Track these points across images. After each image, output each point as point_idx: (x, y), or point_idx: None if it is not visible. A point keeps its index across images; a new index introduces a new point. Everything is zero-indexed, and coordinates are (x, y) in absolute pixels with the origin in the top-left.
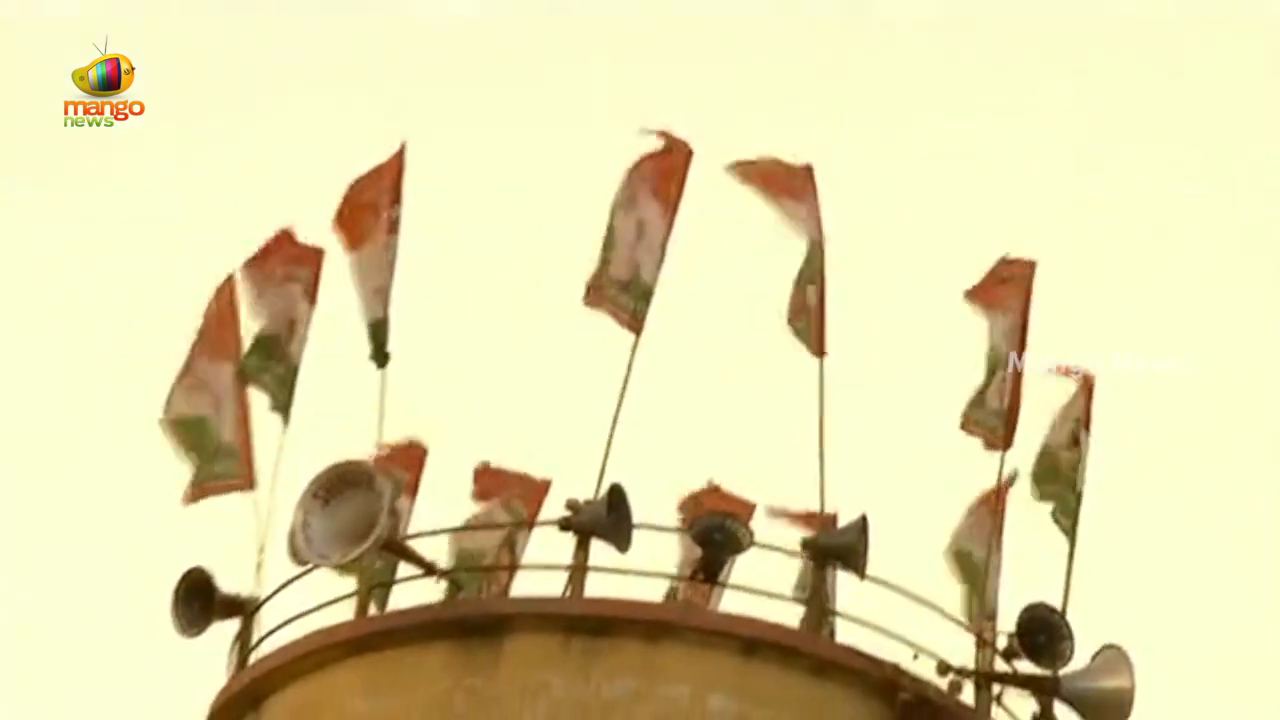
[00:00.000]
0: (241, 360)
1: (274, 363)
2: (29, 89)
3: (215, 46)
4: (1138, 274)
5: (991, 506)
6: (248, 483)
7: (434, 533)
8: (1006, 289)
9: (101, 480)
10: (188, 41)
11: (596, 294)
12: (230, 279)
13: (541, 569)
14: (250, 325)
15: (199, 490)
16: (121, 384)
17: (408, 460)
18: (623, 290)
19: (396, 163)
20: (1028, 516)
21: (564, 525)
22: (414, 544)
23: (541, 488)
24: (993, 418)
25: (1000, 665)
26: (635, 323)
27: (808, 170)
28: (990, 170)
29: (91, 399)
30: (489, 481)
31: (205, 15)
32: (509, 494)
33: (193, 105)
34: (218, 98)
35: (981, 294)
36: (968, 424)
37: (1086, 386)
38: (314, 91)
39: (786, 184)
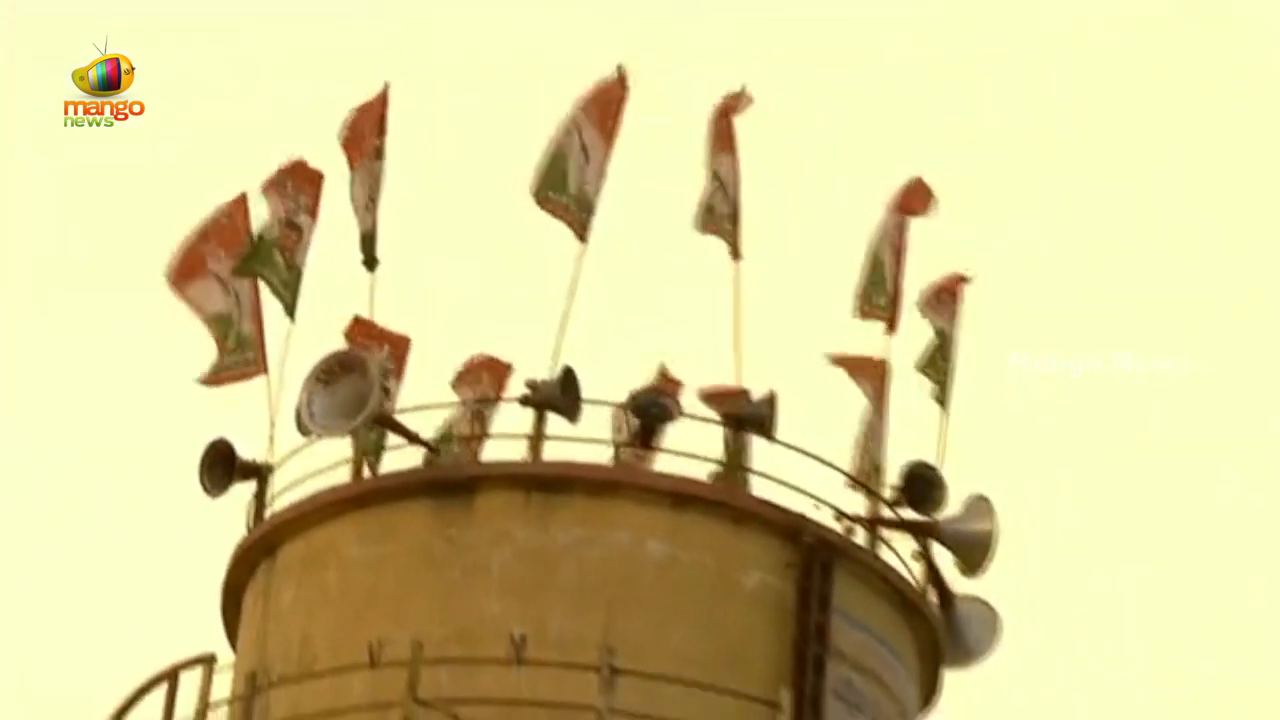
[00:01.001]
0: (242, 258)
1: (275, 263)
2: (29, 89)
3: (215, 46)
4: (1010, 194)
5: (879, 380)
6: (261, 368)
7: (417, 409)
8: (903, 205)
9: (140, 367)
10: (188, 42)
11: (546, 201)
12: (244, 195)
13: (506, 438)
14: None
15: (222, 376)
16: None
17: (395, 344)
18: (573, 203)
19: (381, 100)
20: (911, 391)
21: (524, 401)
22: (400, 418)
23: (505, 370)
24: (885, 308)
25: (886, 513)
26: (582, 231)
27: (743, 95)
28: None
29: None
30: (464, 365)
31: (205, 15)
32: (479, 375)
33: (193, 105)
34: (217, 98)
35: (887, 212)
36: (863, 312)
37: (958, 284)
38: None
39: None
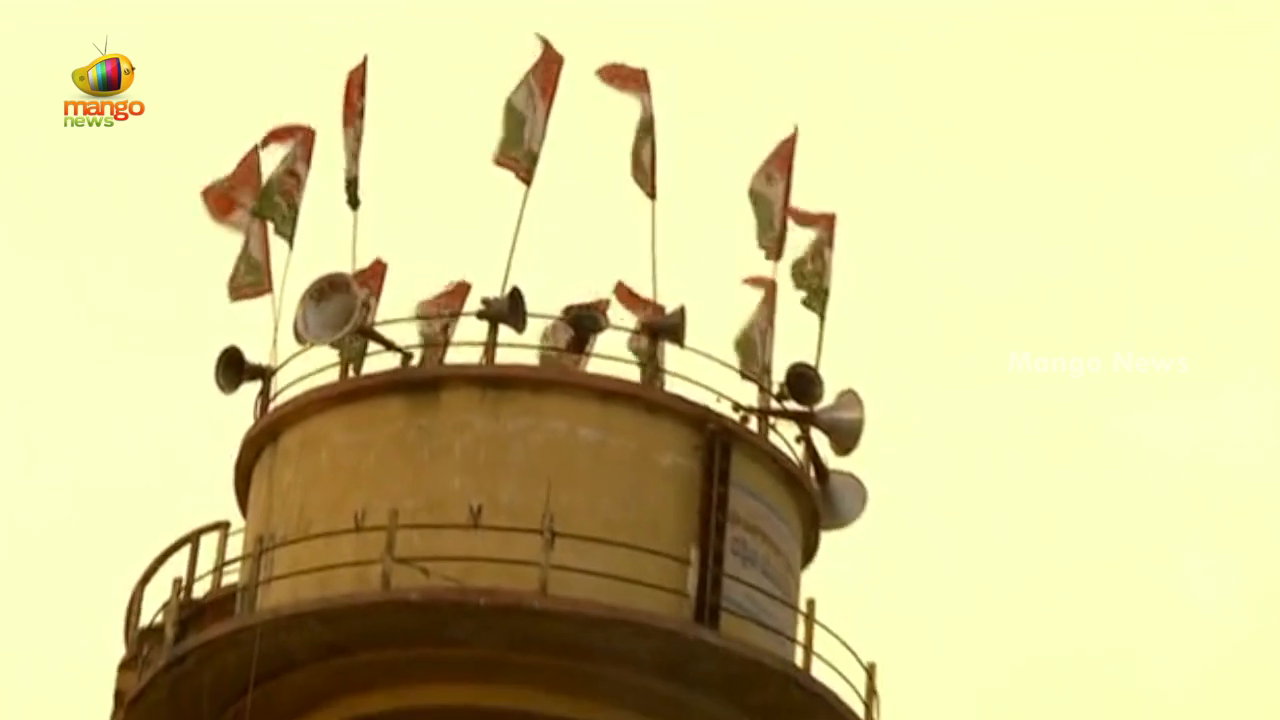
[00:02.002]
0: (256, 203)
1: (281, 203)
2: (29, 89)
3: (215, 46)
4: (883, 136)
5: (770, 297)
6: (267, 288)
7: (392, 321)
8: (781, 157)
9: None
10: (188, 42)
11: (504, 159)
12: (255, 148)
13: (465, 345)
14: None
15: (237, 293)
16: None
17: (374, 273)
18: (523, 157)
19: (361, 70)
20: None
21: (480, 315)
22: (379, 329)
23: (465, 290)
24: (771, 240)
25: (774, 404)
26: (527, 178)
27: (644, 72)
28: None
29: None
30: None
31: (204, 15)
32: (443, 294)
33: (193, 105)
34: (217, 98)
35: (774, 163)
36: (761, 245)
37: (830, 222)
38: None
39: (633, 80)
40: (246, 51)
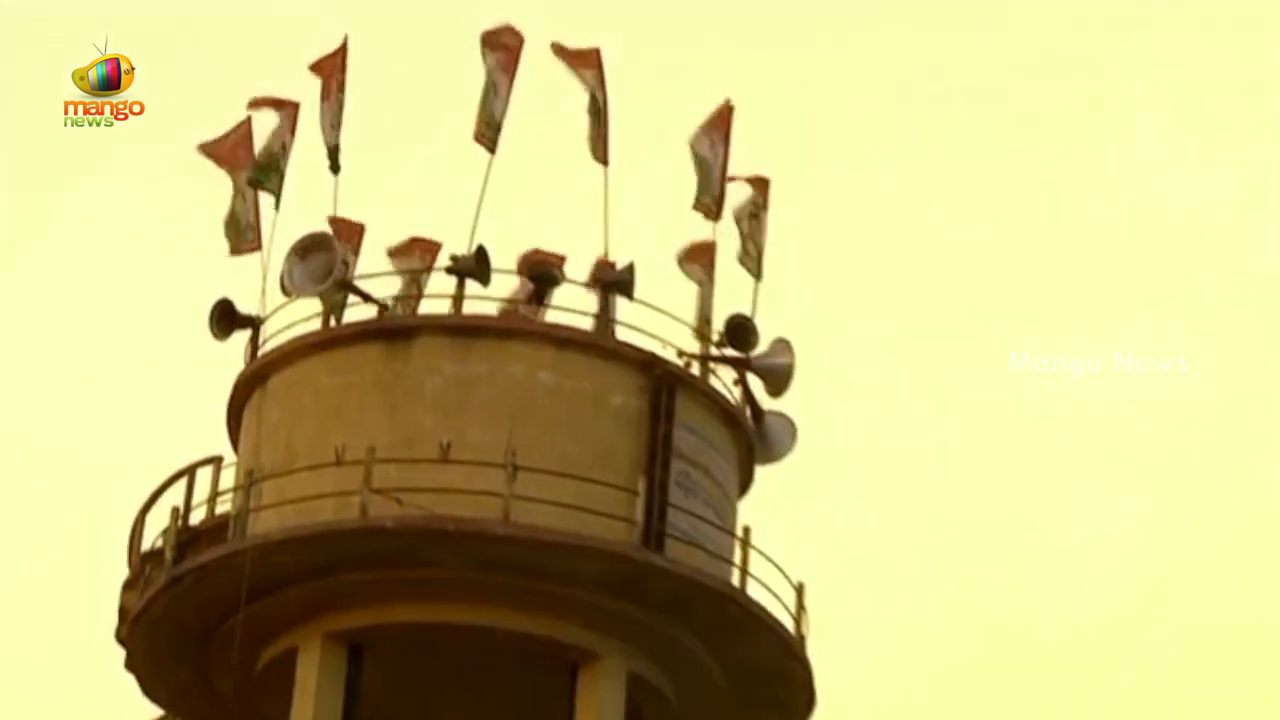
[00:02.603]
0: (252, 172)
1: (271, 170)
2: (29, 89)
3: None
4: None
5: (710, 256)
6: (258, 245)
7: (370, 276)
8: (716, 126)
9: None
10: (188, 41)
11: (480, 137)
12: (248, 119)
13: (435, 297)
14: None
15: (237, 248)
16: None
17: (352, 232)
18: (489, 130)
19: (343, 48)
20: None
21: (449, 270)
22: (358, 283)
23: (435, 248)
24: (711, 202)
25: (715, 351)
26: (492, 147)
27: (597, 51)
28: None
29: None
30: (403, 244)
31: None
32: (415, 251)
33: (193, 105)
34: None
35: (707, 131)
36: (698, 206)
37: (764, 185)
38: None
39: (586, 58)
40: (246, 51)
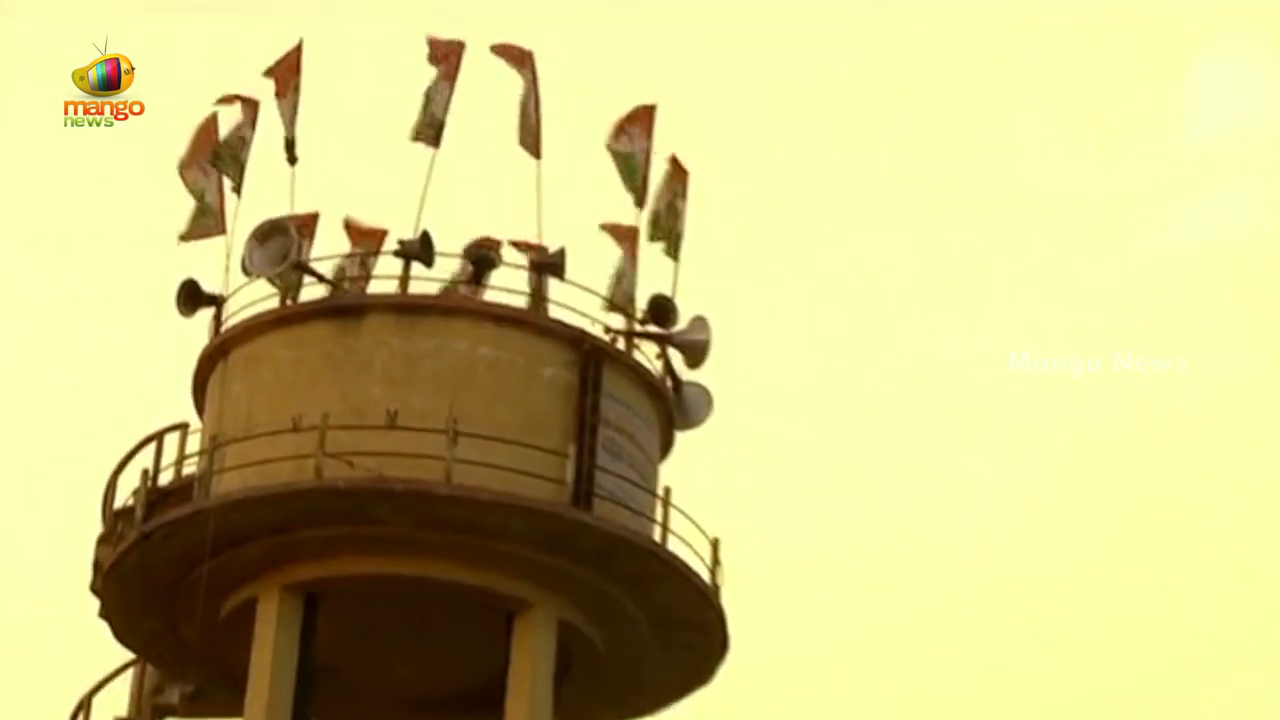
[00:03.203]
0: (213, 156)
1: (233, 160)
2: (29, 89)
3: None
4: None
5: (633, 240)
6: (221, 229)
7: (323, 259)
8: (640, 123)
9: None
10: (187, 41)
11: (418, 135)
12: (214, 115)
13: (383, 278)
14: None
15: (195, 233)
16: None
17: (307, 220)
18: (431, 127)
19: (297, 50)
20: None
21: (396, 253)
22: (313, 264)
23: (383, 234)
24: (636, 191)
25: (638, 328)
26: (435, 142)
27: (530, 53)
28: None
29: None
30: (353, 229)
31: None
32: (364, 236)
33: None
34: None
35: (625, 125)
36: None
37: (681, 171)
38: None
39: (521, 58)
40: (245, 51)
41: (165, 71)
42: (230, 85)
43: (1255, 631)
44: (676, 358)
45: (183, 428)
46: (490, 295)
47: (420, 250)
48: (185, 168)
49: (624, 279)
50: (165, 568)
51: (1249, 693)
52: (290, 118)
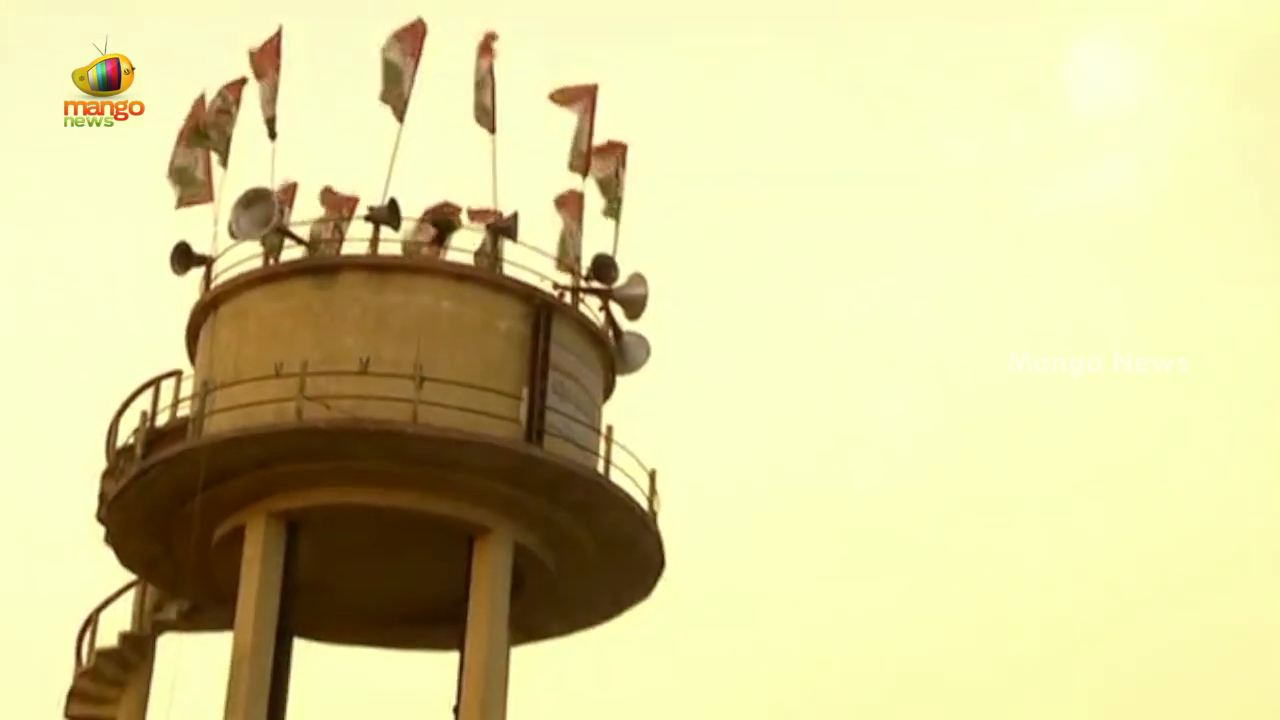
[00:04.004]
0: (194, 134)
1: (212, 135)
2: (29, 89)
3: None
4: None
5: (579, 205)
6: (209, 198)
7: (301, 224)
8: (580, 95)
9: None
10: (187, 41)
11: (385, 99)
12: (201, 96)
13: (356, 241)
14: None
15: (185, 201)
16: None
17: (288, 190)
18: (398, 100)
19: (277, 37)
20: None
21: (367, 218)
22: (292, 228)
23: (354, 201)
24: (579, 161)
25: (584, 284)
26: (400, 115)
27: (492, 37)
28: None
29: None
30: (329, 197)
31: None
32: (339, 203)
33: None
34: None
35: (563, 96)
36: (572, 165)
37: (622, 151)
38: None
39: (481, 46)
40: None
41: (165, 71)
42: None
43: (1256, 630)
44: (618, 310)
45: (177, 375)
46: (451, 255)
47: (388, 216)
48: (182, 144)
49: (570, 241)
50: (163, 499)
51: (1249, 692)
52: (270, 98)
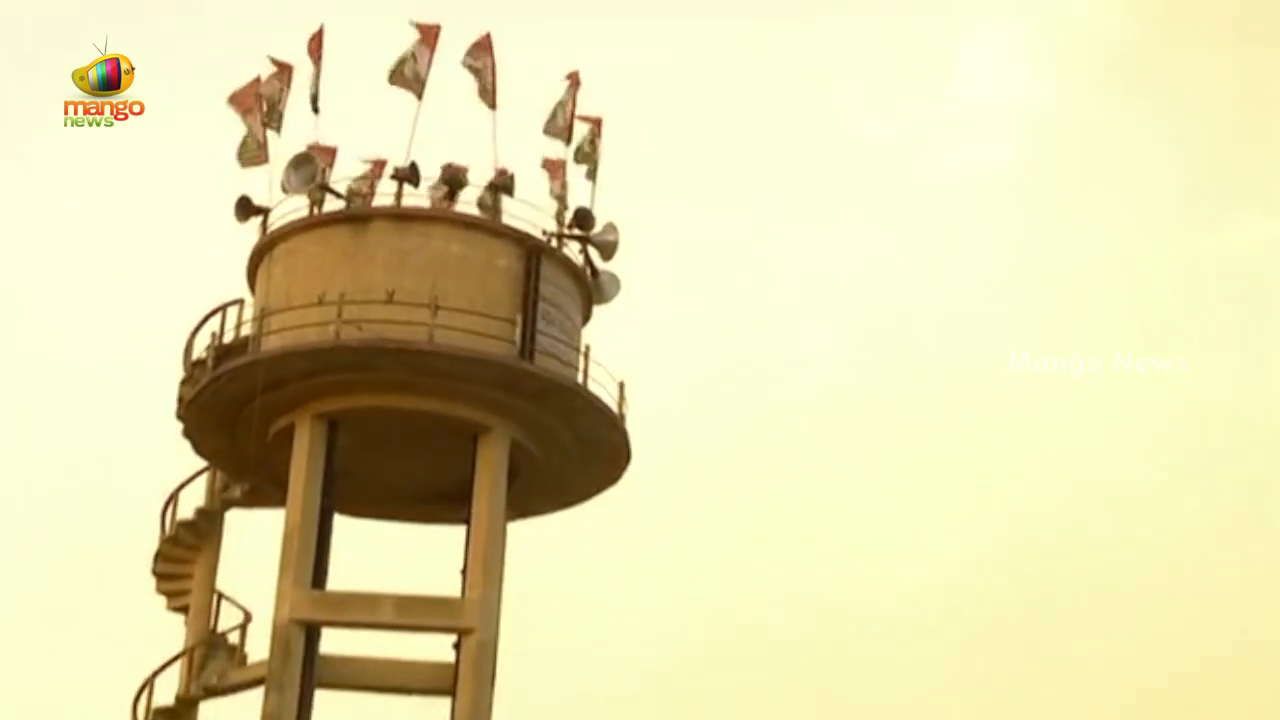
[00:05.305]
0: (265, 116)
1: (274, 114)
2: (29, 89)
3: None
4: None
5: (562, 168)
6: (265, 159)
7: (340, 181)
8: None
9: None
10: (187, 41)
11: (396, 79)
12: (257, 78)
13: (385, 196)
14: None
15: (247, 162)
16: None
17: (328, 151)
18: (416, 82)
19: (320, 33)
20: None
21: (393, 177)
22: (333, 185)
23: (383, 164)
24: (562, 131)
25: (567, 231)
26: (419, 94)
27: (489, 35)
28: None
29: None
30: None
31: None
32: (371, 165)
33: (192, 105)
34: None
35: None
36: (548, 130)
37: (598, 124)
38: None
39: (481, 42)
40: (244, 51)
41: (165, 71)
42: (230, 85)
43: (1254, 632)
44: (595, 253)
45: (239, 303)
46: (460, 207)
47: (410, 175)
48: (243, 110)
49: (556, 195)
50: (229, 402)
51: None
52: (315, 78)
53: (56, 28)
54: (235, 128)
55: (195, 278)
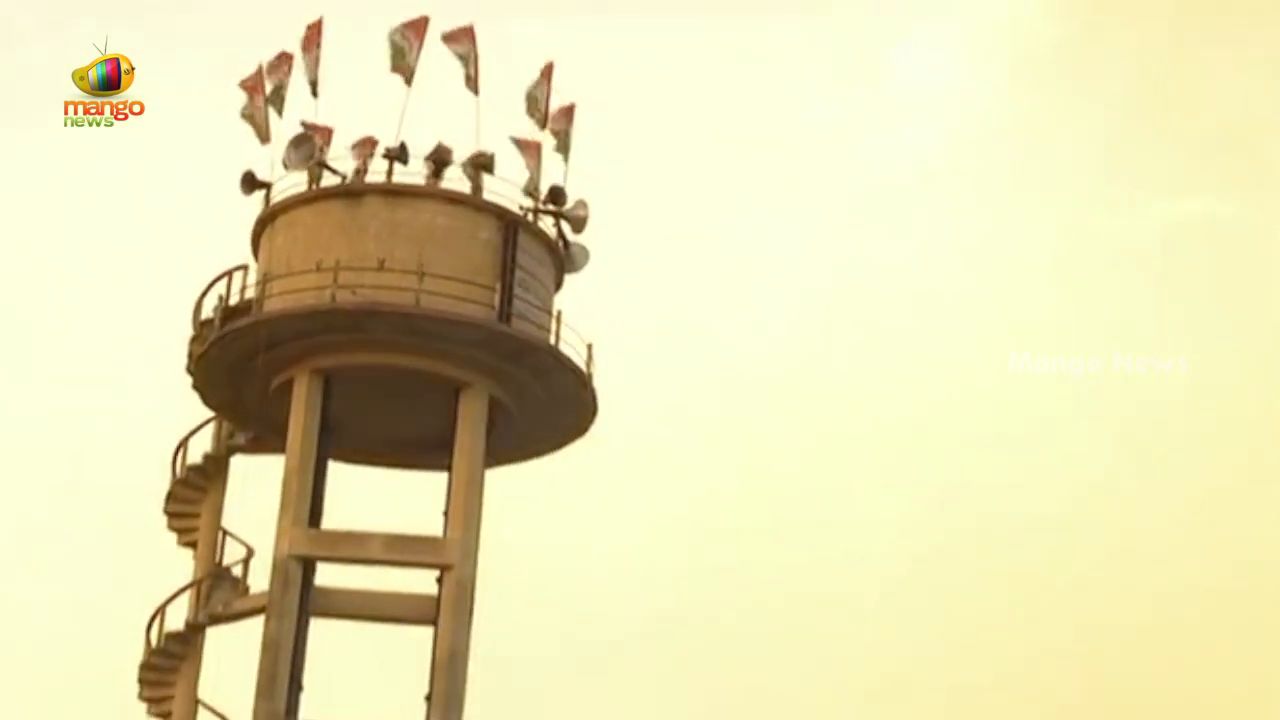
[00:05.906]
0: (269, 99)
1: (277, 97)
2: (29, 89)
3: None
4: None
5: (538, 148)
6: (267, 139)
7: (337, 159)
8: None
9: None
10: (187, 41)
11: (396, 68)
12: (261, 66)
13: (378, 175)
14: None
15: (262, 140)
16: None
17: (325, 131)
18: (407, 67)
19: (319, 24)
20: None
21: (384, 156)
22: (330, 162)
23: (374, 142)
24: (539, 116)
25: (541, 206)
26: (409, 79)
27: (472, 27)
28: None
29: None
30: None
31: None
32: (364, 145)
33: (192, 105)
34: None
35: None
36: (530, 108)
37: (571, 109)
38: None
39: (465, 33)
40: (244, 51)
41: (165, 71)
42: (230, 85)
43: (1254, 632)
44: (566, 226)
45: (244, 268)
46: (445, 183)
47: (400, 154)
48: (249, 90)
49: (532, 174)
50: (234, 358)
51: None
52: (313, 65)
53: (56, 28)
54: (235, 128)
55: (195, 278)
